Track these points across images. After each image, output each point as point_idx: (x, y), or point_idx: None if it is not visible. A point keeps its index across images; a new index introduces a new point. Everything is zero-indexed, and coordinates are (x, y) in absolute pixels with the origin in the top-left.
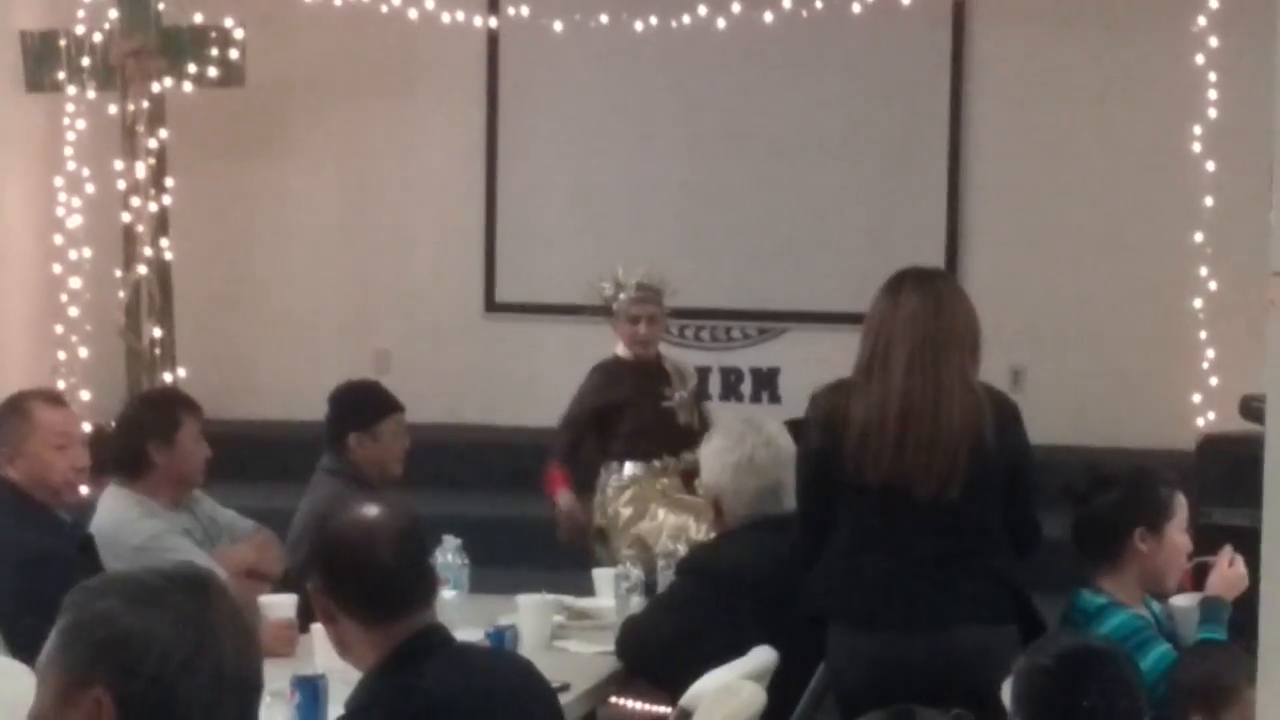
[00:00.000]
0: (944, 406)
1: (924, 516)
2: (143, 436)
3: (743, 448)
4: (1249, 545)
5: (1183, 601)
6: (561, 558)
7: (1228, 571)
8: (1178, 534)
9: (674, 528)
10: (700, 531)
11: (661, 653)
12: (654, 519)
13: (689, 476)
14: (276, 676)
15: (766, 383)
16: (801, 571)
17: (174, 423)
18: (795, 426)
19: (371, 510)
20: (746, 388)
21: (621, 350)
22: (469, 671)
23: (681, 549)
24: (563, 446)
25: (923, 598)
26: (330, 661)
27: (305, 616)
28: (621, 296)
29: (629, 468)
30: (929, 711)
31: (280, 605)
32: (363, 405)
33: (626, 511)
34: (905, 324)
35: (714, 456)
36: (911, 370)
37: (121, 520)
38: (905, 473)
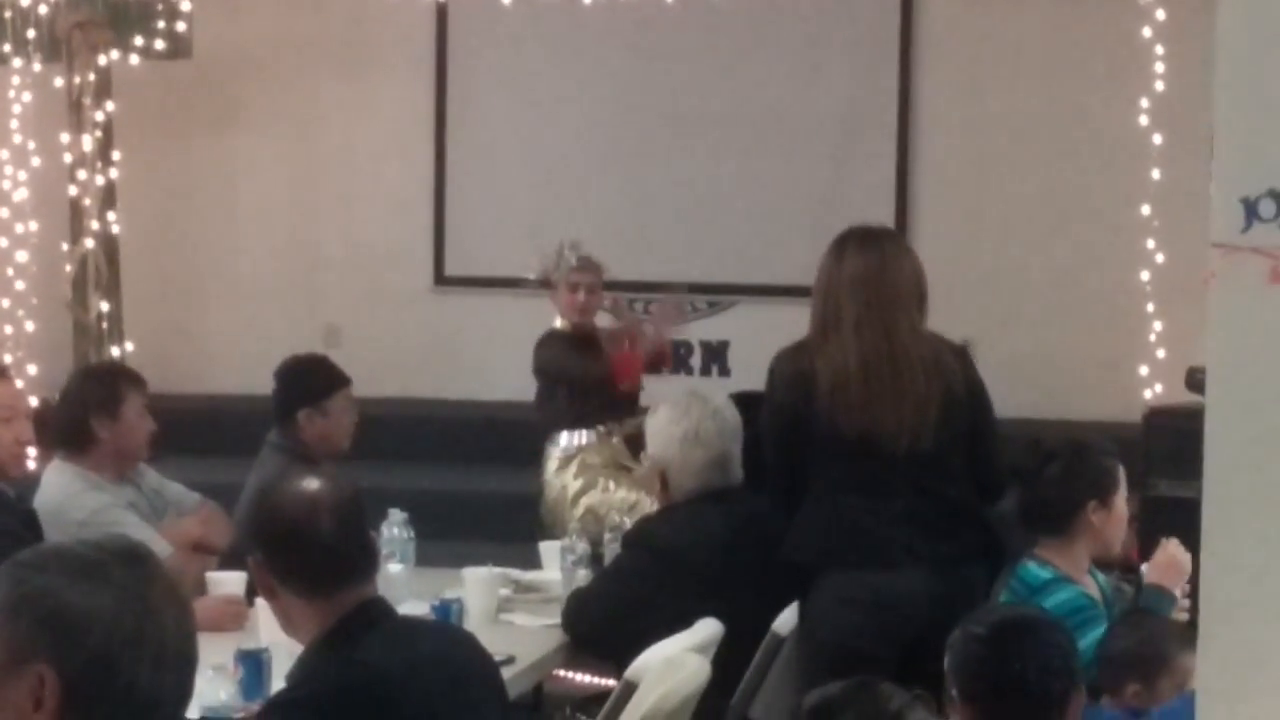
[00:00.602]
0: (902, 361)
1: (901, 466)
2: (86, 411)
3: (689, 420)
4: (1195, 517)
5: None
6: (508, 531)
7: (1163, 558)
8: (1122, 502)
9: (623, 501)
10: (652, 506)
11: (607, 626)
12: (605, 491)
13: (634, 441)
14: (220, 650)
15: (716, 356)
16: (746, 542)
17: (117, 397)
18: (742, 400)
19: (312, 484)
20: (696, 361)
21: (559, 322)
22: (410, 644)
23: (628, 522)
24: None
25: (906, 540)
26: (274, 635)
27: (251, 591)
28: (564, 266)
29: (576, 437)
30: (889, 685)
31: (229, 582)
32: (311, 381)
33: (576, 484)
34: (851, 284)
35: (661, 429)
36: (860, 329)
37: (66, 494)
38: (877, 427)
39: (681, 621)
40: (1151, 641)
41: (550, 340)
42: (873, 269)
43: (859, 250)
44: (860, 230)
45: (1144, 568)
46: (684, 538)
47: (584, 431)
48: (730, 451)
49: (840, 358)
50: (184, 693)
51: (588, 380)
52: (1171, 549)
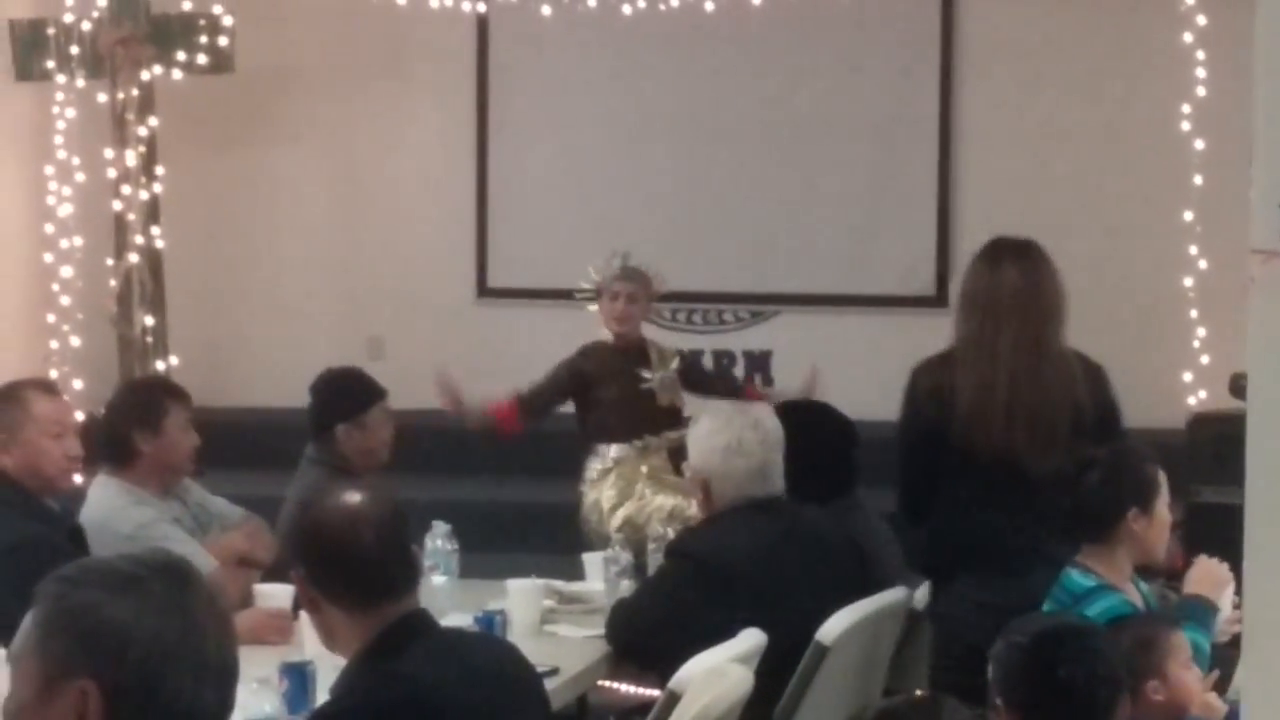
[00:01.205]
0: (1046, 381)
1: (1032, 480)
2: (129, 425)
3: (731, 430)
4: (1239, 523)
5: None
6: (552, 542)
7: (1199, 572)
8: (1164, 508)
9: (662, 508)
10: (691, 512)
11: (650, 636)
12: (640, 499)
13: (676, 456)
14: (265, 663)
15: (759, 365)
16: (789, 552)
17: (160, 411)
18: (788, 410)
19: (353, 497)
20: (739, 370)
21: (604, 333)
22: (452, 656)
23: (672, 532)
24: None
25: (1035, 547)
26: (319, 648)
27: (297, 604)
28: (609, 274)
29: (615, 449)
30: (953, 701)
31: (276, 595)
32: (348, 395)
33: (611, 494)
34: (1008, 299)
35: (702, 439)
36: (1019, 349)
37: (111, 509)
38: (1013, 445)
39: (725, 631)
40: (1141, 633)
41: (586, 351)
42: (1029, 283)
43: (1014, 262)
44: (1012, 242)
45: (1187, 575)
46: (726, 547)
47: (624, 444)
48: (772, 461)
49: (988, 375)
50: (224, 706)
51: (580, 386)
52: (1205, 562)
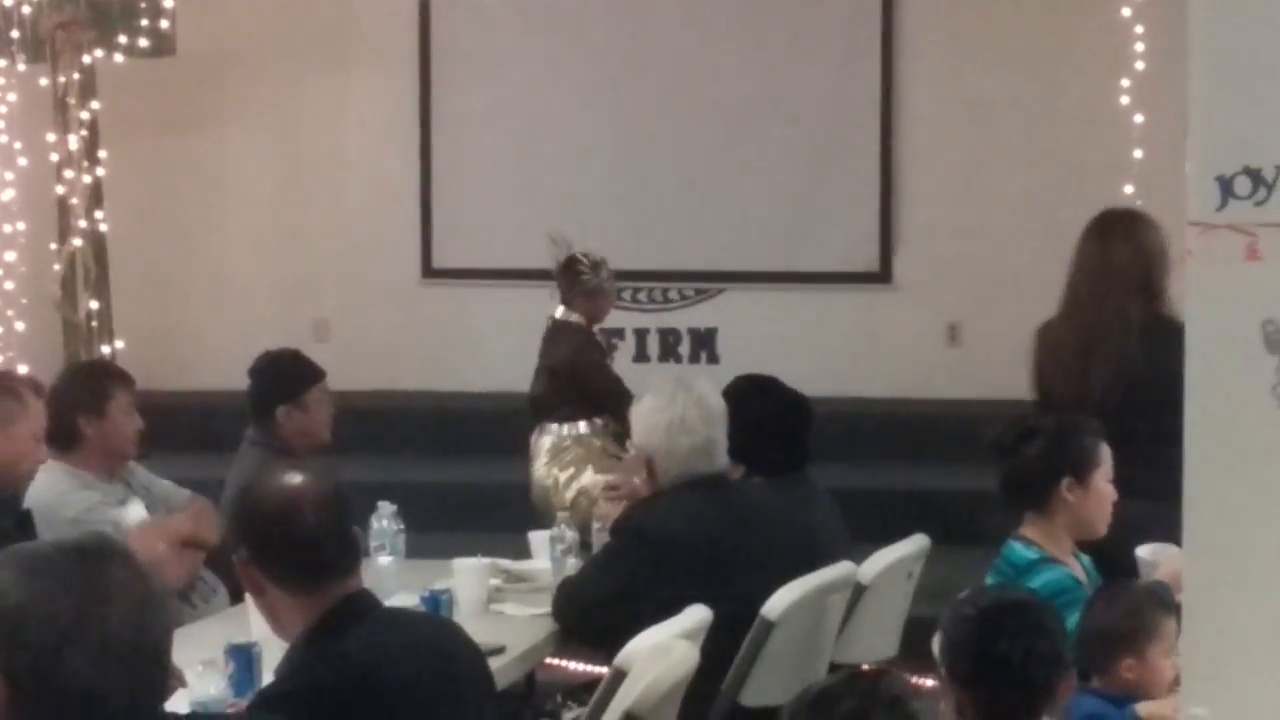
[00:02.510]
0: (1101, 337)
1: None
2: (73, 409)
3: (674, 407)
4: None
5: (1146, 554)
6: (498, 521)
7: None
8: (1103, 483)
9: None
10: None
11: (597, 614)
12: (595, 473)
13: (620, 438)
14: (212, 645)
15: (705, 343)
16: (734, 528)
17: (105, 394)
18: (738, 384)
19: (294, 479)
20: (685, 348)
21: (575, 318)
22: (395, 636)
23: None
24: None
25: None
26: (265, 630)
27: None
28: (603, 274)
29: (568, 427)
30: (893, 674)
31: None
32: (288, 376)
33: (565, 473)
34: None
35: (646, 416)
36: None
37: (56, 493)
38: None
39: (671, 607)
40: (1134, 613)
41: (588, 347)
42: (1100, 255)
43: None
44: (1122, 215)
45: (1138, 550)
46: (672, 524)
47: (579, 422)
48: (716, 438)
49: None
50: (138, 685)
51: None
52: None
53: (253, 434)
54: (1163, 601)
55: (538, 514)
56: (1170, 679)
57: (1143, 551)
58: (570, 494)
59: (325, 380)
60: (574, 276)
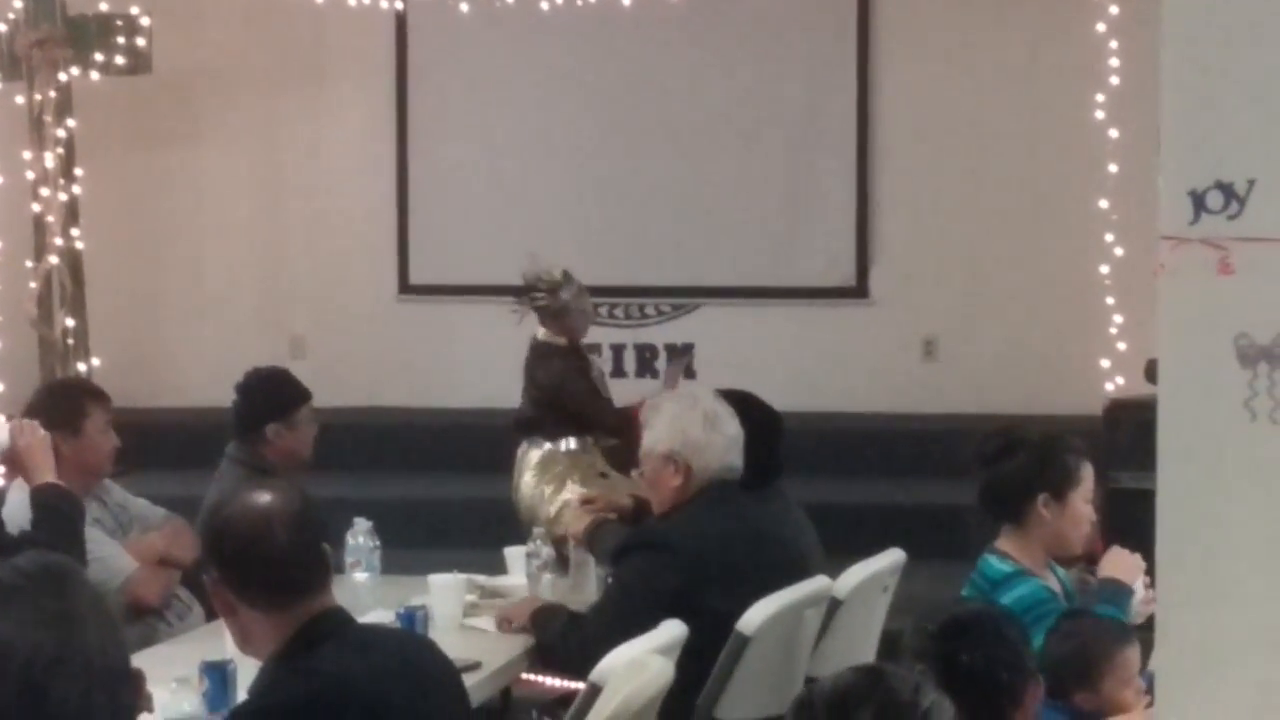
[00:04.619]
0: None
1: None
2: (48, 427)
3: (701, 406)
4: (1155, 508)
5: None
6: (474, 537)
7: (1111, 556)
8: (1081, 503)
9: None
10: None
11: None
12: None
13: (610, 454)
14: (185, 663)
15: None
16: (740, 543)
17: (80, 413)
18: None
19: (264, 496)
20: (662, 364)
21: (547, 335)
22: (368, 652)
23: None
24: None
25: None
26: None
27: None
28: (564, 295)
29: (562, 442)
30: (896, 671)
31: None
32: (279, 395)
33: (550, 487)
34: None
35: (674, 420)
36: None
37: (29, 512)
38: None
39: (674, 607)
40: (1089, 644)
41: (568, 372)
42: None
43: None
44: None
45: (1101, 562)
46: (679, 532)
47: (569, 439)
48: (742, 435)
49: None
50: (118, 707)
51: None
52: (1117, 551)
53: (234, 451)
54: (1115, 633)
55: (523, 525)
56: (1134, 704)
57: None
58: (554, 508)
59: (312, 401)
60: (532, 304)
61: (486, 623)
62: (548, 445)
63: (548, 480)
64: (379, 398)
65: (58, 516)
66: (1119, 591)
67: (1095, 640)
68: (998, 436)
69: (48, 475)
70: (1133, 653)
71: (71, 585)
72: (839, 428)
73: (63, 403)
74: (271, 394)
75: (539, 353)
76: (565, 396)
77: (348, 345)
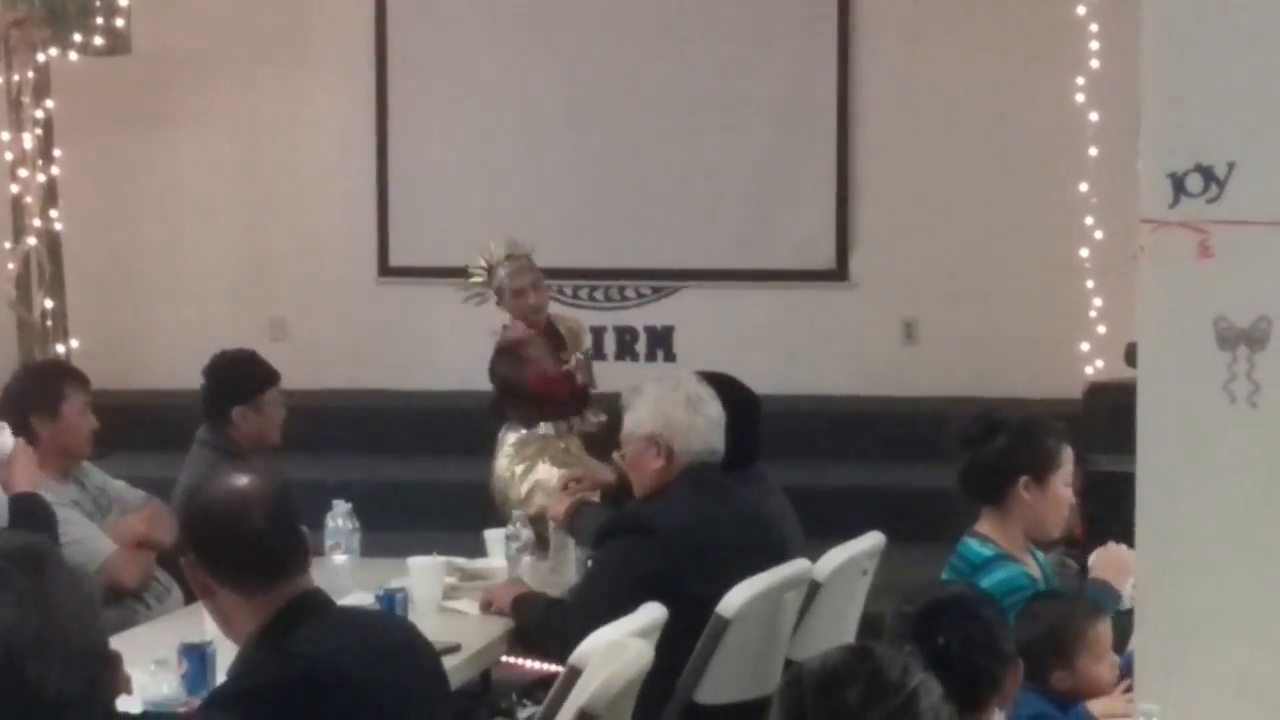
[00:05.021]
0: None
1: None
2: (26, 409)
3: (684, 388)
4: (1135, 492)
5: (1092, 557)
6: (453, 519)
7: (1108, 556)
8: (1061, 486)
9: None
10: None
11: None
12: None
13: (589, 439)
14: (165, 644)
15: (661, 341)
16: (725, 528)
17: (58, 395)
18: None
19: (240, 479)
20: (641, 347)
21: (510, 321)
22: (347, 634)
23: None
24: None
25: None
26: (219, 630)
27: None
28: (501, 272)
29: (542, 427)
30: (882, 648)
31: None
32: (244, 378)
33: (521, 467)
34: None
35: (657, 402)
36: None
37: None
38: None
39: (656, 590)
40: (1059, 624)
41: (499, 356)
42: None
43: None
44: None
45: (1091, 558)
46: (661, 515)
47: (545, 423)
48: (724, 417)
49: None
50: (97, 686)
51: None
52: (1112, 548)
53: (204, 434)
54: (1084, 611)
55: (495, 507)
56: (1109, 679)
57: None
58: (526, 488)
59: (280, 383)
60: (468, 282)
61: (468, 605)
62: (524, 429)
63: (519, 461)
64: (359, 380)
65: (33, 522)
66: (1106, 593)
67: (1065, 619)
68: (978, 419)
69: (26, 485)
70: (1104, 628)
71: (50, 566)
72: (819, 410)
73: (41, 385)
74: (236, 377)
75: (498, 338)
76: (507, 386)
77: (327, 327)
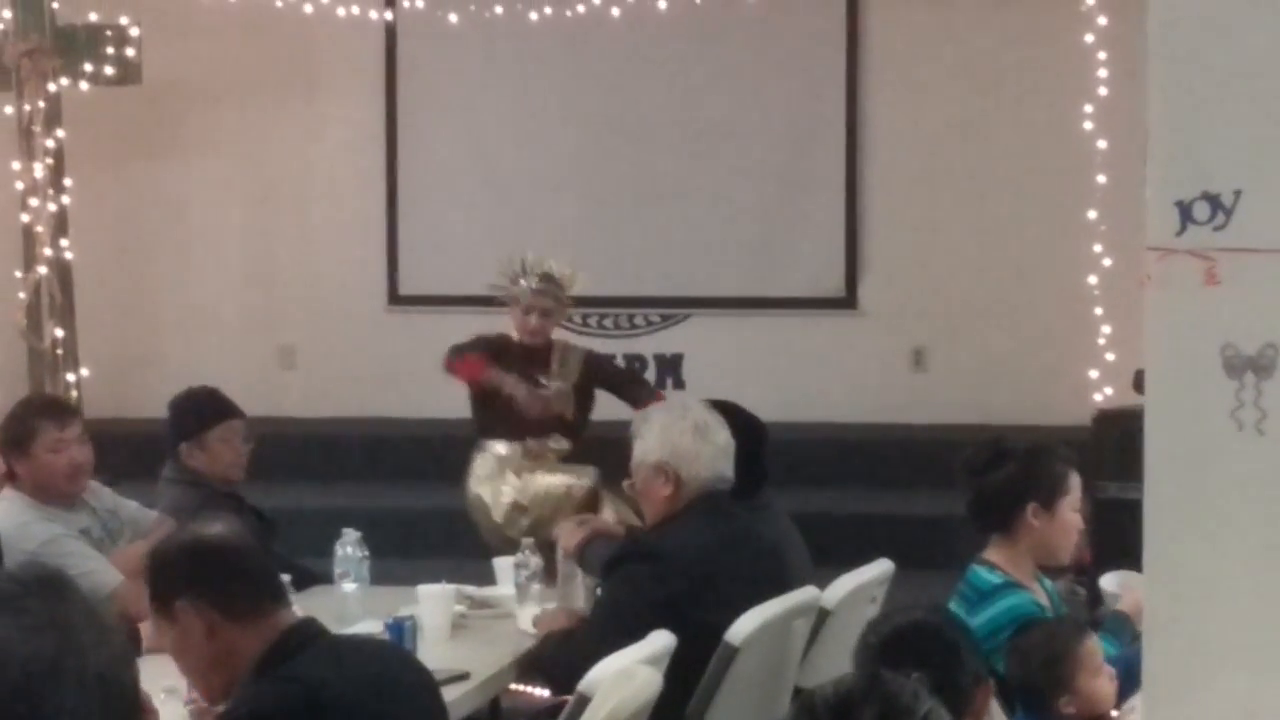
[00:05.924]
0: None
1: None
2: (5, 447)
3: (691, 415)
4: (1142, 518)
5: (1109, 585)
6: (463, 547)
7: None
8: (1069, 512)
9: (549, 490)
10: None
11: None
12: (522, 480)
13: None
14: (172, 674)
15: (670, 368)
16: (731, 555)
17: (27, 434)
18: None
19: (211, 525)
20: (651, 374)
21: (512, 331)
22: (345, 661)
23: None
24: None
25: None
26: None
27: None
28: (523, 283)
29: (499, 446)
30: (892, 676)
31: None
32: (191, 413)
33: (507, 490)
34: None
35: (664, 430)
36: None
37: (17, 524)
38: None
39: (666, 617)
40: (1049, 652)
41: (491, 342)
42: None
43: None
44: None
45: (1102, 581)
46: (670, 542)
47: (513, 443)
48: (733, 444)
49: None
50: (111, 714)
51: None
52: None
53: (168, 470)
54: (1067, 631)
55: (477, 532)
56: (1110, 689)
57: (1106, 582)
58: (500, 514)
59: (237, 420)
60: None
61: (475, 634)
62: (489, 449)
63: (480, 484)
64: (368, 408)
65: None
66: (1124, 628)
67: (1052, 643)
68: (986, 446)
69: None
70: (1092, 643)
71: (68, 593)
72: (828, 438)
73: (12, 423)
74: (184, 413)
75: None
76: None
77: (337, 356)
